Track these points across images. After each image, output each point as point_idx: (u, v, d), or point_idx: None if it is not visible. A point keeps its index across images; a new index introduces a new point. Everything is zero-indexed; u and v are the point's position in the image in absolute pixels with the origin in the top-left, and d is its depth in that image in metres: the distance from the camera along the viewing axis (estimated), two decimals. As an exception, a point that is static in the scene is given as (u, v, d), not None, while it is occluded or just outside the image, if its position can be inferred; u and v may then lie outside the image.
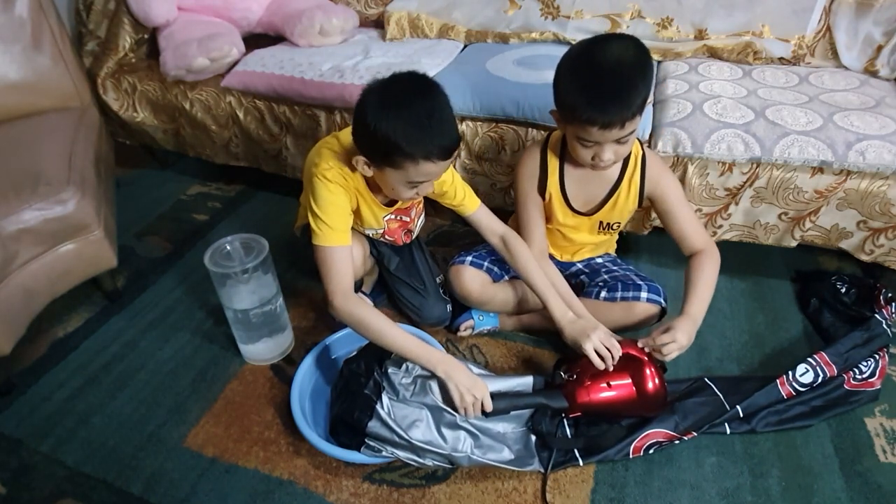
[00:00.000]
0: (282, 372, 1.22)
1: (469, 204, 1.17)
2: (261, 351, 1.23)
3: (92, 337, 1.33)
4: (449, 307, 1.30)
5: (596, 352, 1.00)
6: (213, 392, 1.18)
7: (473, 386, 0.97)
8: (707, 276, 1.08)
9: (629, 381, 1.00)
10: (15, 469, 1.05)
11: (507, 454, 1.00)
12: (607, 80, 0.94)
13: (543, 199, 1.17)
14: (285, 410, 1.10)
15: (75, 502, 0.99)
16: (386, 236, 1.21)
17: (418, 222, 1.27)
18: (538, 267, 1.11)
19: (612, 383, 1.00)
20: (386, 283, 1.37)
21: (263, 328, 1.19)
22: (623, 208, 1.16)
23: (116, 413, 1.15)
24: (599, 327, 1.03)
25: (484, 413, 0.98)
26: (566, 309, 1.07)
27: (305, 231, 1.08)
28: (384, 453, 0.96)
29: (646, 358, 1.00)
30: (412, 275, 1.31)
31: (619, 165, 1.12)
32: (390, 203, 1.14)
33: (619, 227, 1.21)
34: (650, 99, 1.35)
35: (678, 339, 0.99)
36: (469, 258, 1.24)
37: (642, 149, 1.13)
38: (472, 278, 1.21)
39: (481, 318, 1.27)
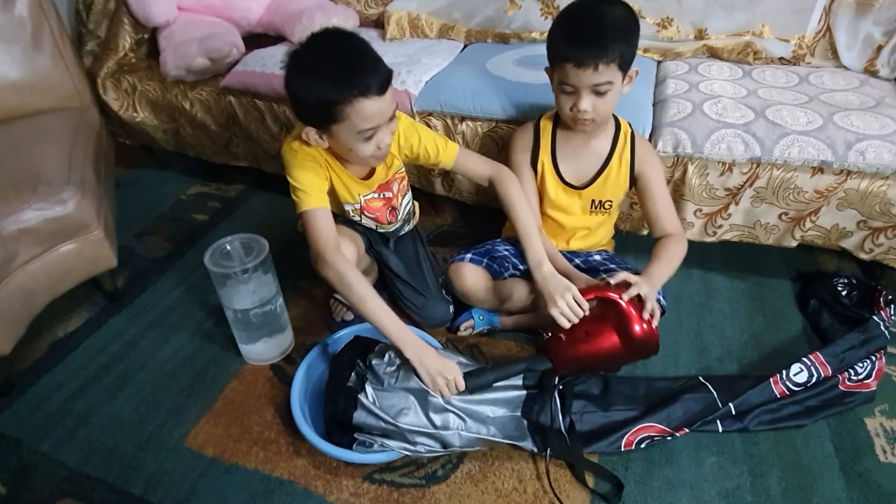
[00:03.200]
0: (282, 372, 1.22)
1: (446, 157, 1.15)
2: (261, 351, 1.23)
3: (92, 337, 1.33)
4: (451, 308, 1.30)
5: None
6: (213, 392, 1.18)
7: (444, 368, 0.98)
8: (673, 253, 1.11)
9: (610, 327, 0.98)
10: (15, 469, 1.05)
11: (497, 432, 1.00)
12: (588, 21, 1.00)
13: (535, 171, 1.19)
14: (285, 410, 1.10)
15: (75, 502, 0.99)
16: (366, 213, 1.19)
17: (404, 201, 1.26)
18: (524, 204, 1.11)
19: (590, 332, 0.99)
20: (387, 283, 1.37)
21: (263, 328, 1.19)
22: (615, 185, 1.17)
23: (116, 413, 1.15)
24: (569, 290, 1.00)
25: (468, 391, 0.99)
26: (541, 259, 1.06)
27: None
28: (376, 446, 0.96)
29: (624, 300, 0.97)
30: (414, 274, 1.31)
31: (609, 140, 1.15)
32: (368, 177, 1.13)
33: (611, 206, 1.21)
34: (645, 95, 1.35)
35: (627, 277, 1.00)
36: (468, 255, 1.24)
37: (631, 128, 1.16)
38: (471, 275, 1.20)
39: (481, 317, 1.27)
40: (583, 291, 1.01)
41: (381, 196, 1.18)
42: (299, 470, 1.03)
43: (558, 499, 0.97)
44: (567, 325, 0.99)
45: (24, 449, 1.08)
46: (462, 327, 1.27)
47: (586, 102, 1.02)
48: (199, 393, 1.18)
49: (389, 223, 1.25)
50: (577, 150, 1.16)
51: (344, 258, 1.02)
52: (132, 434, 1.11)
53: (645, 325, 0.97)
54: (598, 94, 1.02)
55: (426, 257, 1.36)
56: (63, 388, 1.21)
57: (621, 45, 0.98)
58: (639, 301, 0.99)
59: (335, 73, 0.90)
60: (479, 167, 1.16)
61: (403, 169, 1.20)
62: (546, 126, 1.18)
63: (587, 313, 0.99)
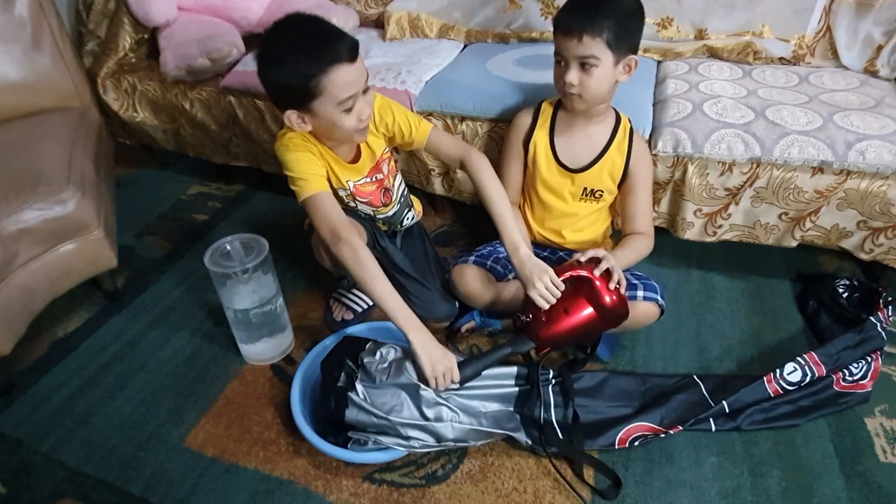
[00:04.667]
0: (282, 372, 1.22)
1: (418, 136, 1.16)
2: (261, 351, 1.23)
3: (92, 337, 1.33)
4: (456, 302, 1.30)
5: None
6: (213, 392, 1.18)
7: (445, 356, 0.99)
8: (640, 247, 1.17)
9: (585, 302, 1.03)
10: (15, 469, 1.05)
11: (490, 424, 1.01)
12: None
13: (526, 151, 1.22)
14: (285, 410, 1.10)
15: (75, 502, 0.99)
16: (358, 198, 1.18)
17: (396, 182, 1.25)
18: (499, 188, 1.12)
19: (568, 309, 1.03)
20: (390, 279, 1.37)
21: (263, 328, 1.19)
22: (610, 174, 1.19)
23: (116, 413, 1.15)
24: (546, 272, 1.04)
25: (460, 382, 0.99)
26: (518, 244, 1.07)
27: (312, 227, 1.08)
28: (370, 443, 0.96)
29: (595, 275, 1.02)
30: (420, 269, 1.30)
31: (608, 130, 1.17)
32: (355, 160, 1.14)
33: (601, 196, 1.21)
34: (645, 95, 1.35)
35: (597, 253, 1.05)
36: (472, 258, 1.24)
37: (630, 125, 1.18)
38: (473, 278, 1.20)
39: (483, 318, 1.27)
40: (557, 272, 1.04)
41: (374, 179, 1.18)
42: (299, 470, 1.03)
43: (570, 486, 0.97)
44: (546, 306, 1.03)
45: (24, 449, 1.08)
46: (463, 329, 1.27)
47: (572, 75, 1.05)
48: (199, 393, 1.18)
49: (385, 205, 1.24)
50: (576, 133, 1.18)
51: (358, 236, 1.03)
52: (132, 434, 1.11)
53: (615, 296, 1.02)
54: (585, 68, 1.04)
55: (432, 254, 1.36)
56: (63, 388, 1.21)
57: (612, 23, 1.00)
58: (605, 274, 1.04)
59: (305, 48, 0.93)
60: (451, 148, 1.17)
61: (388, 149, 1.21)
62: (547, 108, 1.22)
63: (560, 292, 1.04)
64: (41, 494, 1.01)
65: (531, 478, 1.01)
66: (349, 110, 0.99)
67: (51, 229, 1.15)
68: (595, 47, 1.01)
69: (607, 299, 1.01)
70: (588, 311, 1.03)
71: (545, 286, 1.02)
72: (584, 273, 1.03)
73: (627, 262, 1.14)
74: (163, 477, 1.03)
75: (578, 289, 1.04)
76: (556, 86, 1.12)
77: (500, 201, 1.11)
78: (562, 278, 1.04)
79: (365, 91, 1.01)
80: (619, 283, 1.03)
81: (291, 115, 1.00)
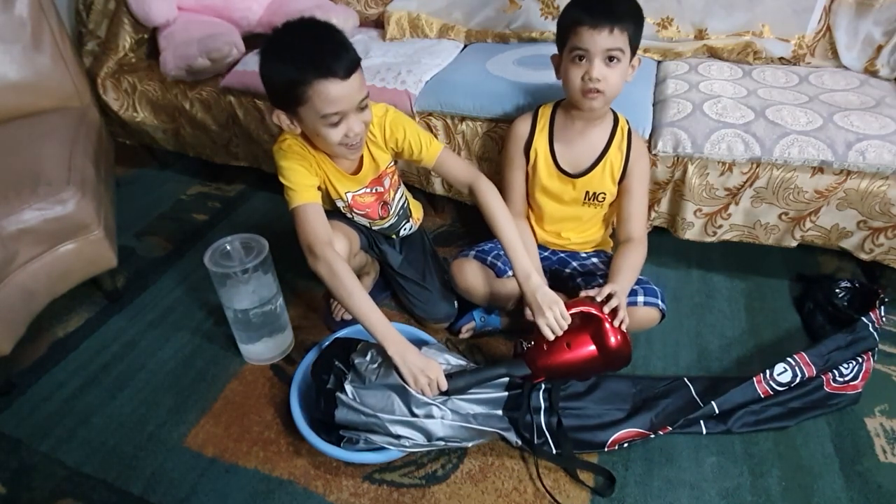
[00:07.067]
0: (282, 372, 1.22)
1: (427, 155, 1.12)
2: (261, 351, 1.23)
3: (92, 337, 1.34)
4: (456, 303, 1.30)
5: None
6: (213, 392, 1.18)
7: (426, 367, 0.98)
8: (637, 262, 1.14)
9: (589, 339, 1.01)
10: (15, 469, 1.05)
11: (481, 423, 1.01)
12: None
13: (528, 159, 1.20)
14: (285, 410, 1.10)
15: (75, 502, 0.99)
16: (355, 210, 1.18)
17: (396, 195, 1.24)
18: (507, 215, 1.10)
19: (571, 343, 1.02)
20: (389, 281, 1.37)
21: (263, 328, 1.19)
22: (610, 177, 1.18)
23: (116, 413, 1.15)
24: (557, 303, 1.02)
25: (446, 392, 0.99)
26: (530, 271, 1.05)
27: None
28: (361, 443, 0.97)
29: (605, 315, 1.01)
30: (419, 271, 1.30)
31: (607, 132, 1.16)
32: (357, 172, 1.13)
33: (604, 199, 1.20)
34: (645, 95, 1.35)
35: (611, 290, 1.03)
36: (472, 253, 1.23)
37: (628, 125, 1.17)
38: (473, 273, 1.20)
39: (483, 319, 1.27)
40: (568, 305, 1.03)
41: (374, 191, 1.17)
42: (299, 470, 1.03)
43: (553, 498, 0.97)
44: (552, 336, 1.01)
45: (24, 449, 1.08)
46: (463, 329, 1.27)
47: (598, 69, 1.02)
48: (199, 393, 1.18)
49: (382, 219, 1.23)
50: (575, 138, 1.17)
51: (334, 252, 1.02)
52: (132, 434, 1.11)
53: (620, 338, 1.00)
54: (609, 62, 1.03)
55: (432, 256, 1.36)
56: (63, 388, 1.21)
57: (632, 19, 1.01)
58: (612, 312, 1.02)
59: (297, 54, 0.92)
60: (460, 172, 1.14)
61: (393, 164, 1.20)
62: (545, 112, 1.20)
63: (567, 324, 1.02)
64: (41, 494, 1.01)
65: (531, 478, 1.01)
66: (335, 125, 0.97)
67: (51, 229, 1.15)
68: (622, 40, 1.01)
69: (612, 340, 0.99)
70: (590, 348, 1.01)
71: (554, 316, 1.00)
72: (594, 311, 1.01)
73: (630, 284, 1.11)
74: (163, 477, 1.03)
75: (585, 325, 1.02)
76: (574, 85, 1.06)
77: (508, 228, 1.09)
78: (570, 312, 1.02)
79: (362, 108, 0.99)
80: (622, 321, 1.01)
81: (281, 116, 1.00)
